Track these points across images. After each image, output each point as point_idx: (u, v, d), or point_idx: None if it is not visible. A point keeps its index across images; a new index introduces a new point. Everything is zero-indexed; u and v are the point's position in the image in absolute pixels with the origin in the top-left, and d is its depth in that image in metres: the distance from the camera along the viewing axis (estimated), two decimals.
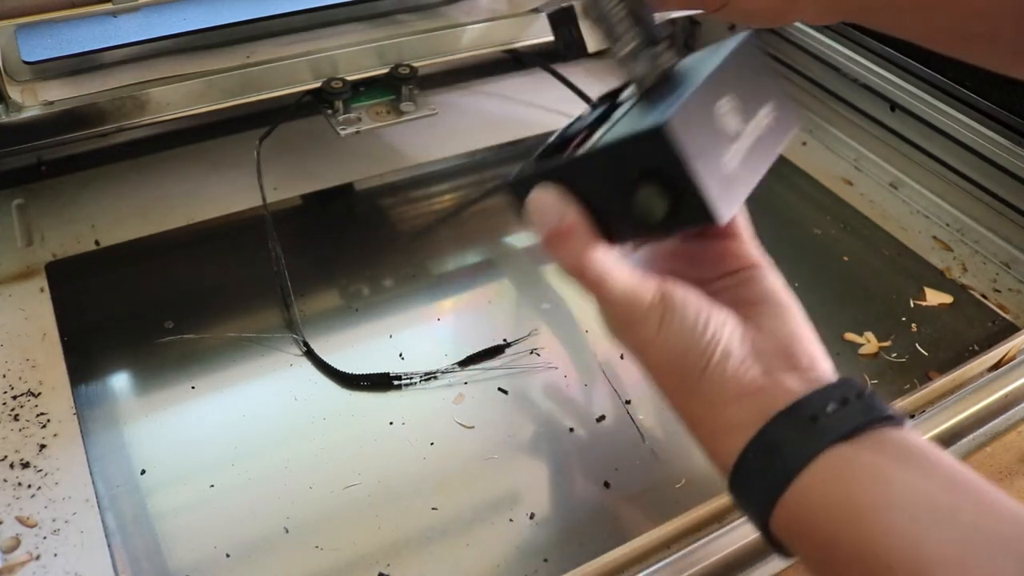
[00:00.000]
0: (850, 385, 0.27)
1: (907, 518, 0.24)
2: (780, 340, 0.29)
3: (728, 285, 0.31)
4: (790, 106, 0.31)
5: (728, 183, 0.27)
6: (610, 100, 0.33)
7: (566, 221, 0.29)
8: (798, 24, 0.74)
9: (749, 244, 0.32)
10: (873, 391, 0.28)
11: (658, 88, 0.30)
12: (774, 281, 0.31)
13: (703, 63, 0.30)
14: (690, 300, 0.29)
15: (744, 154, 0.28)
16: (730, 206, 0.27)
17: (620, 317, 0.29)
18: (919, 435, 0.27)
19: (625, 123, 0.29)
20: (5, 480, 0.42)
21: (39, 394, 0.47)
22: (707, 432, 0.29)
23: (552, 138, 0.33)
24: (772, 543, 0.28)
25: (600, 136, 0.30)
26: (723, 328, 0.29)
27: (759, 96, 0.30)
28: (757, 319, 0.30)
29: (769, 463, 0.27)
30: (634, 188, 0.28)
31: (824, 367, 0.29)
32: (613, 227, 0.30)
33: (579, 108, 0.72)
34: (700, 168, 0.26)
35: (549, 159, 0.32)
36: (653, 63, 0.31)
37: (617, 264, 0.29)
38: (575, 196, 0.30)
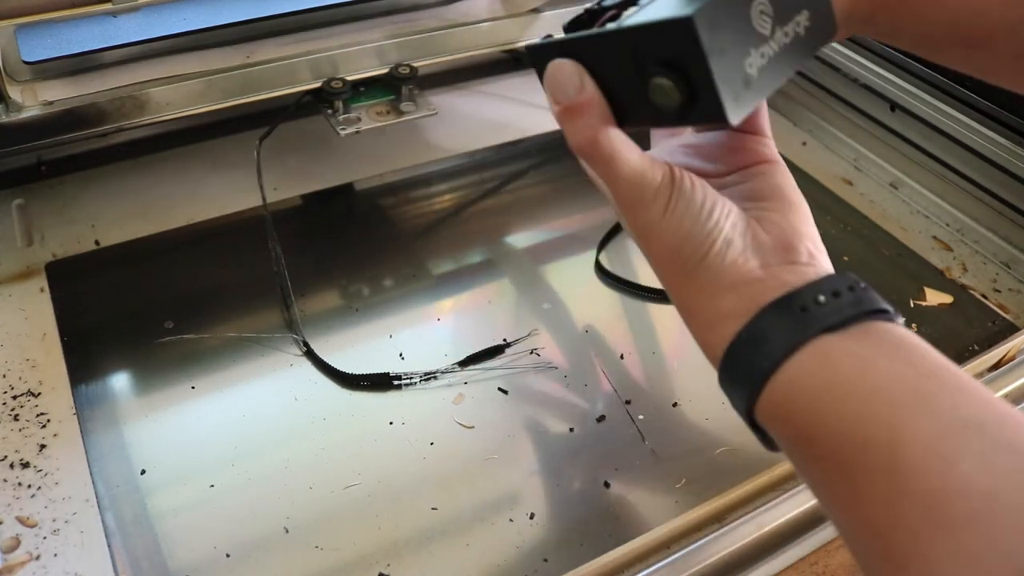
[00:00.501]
0: (844, 279, 0.28)
1: (885, 401, 0.24)
2: (782, 234, 0.29)
3: (740, 180, 0.32)
4: (829, 15, 0.30)
5: (747, 85, 0.27)
6: None
7: (583, 96, 0.29)
8: None
9: (765, 140, 0.32)
10: (867, 286, 0.28)
11: None
12: (785, 178, 0.31)
13: None
14: (697, 187, 0.29)
15: (771, 58, 0.28)
16: (744, 109, 0.27)
17: (627, 198, 0.30)
18: (910, 331, 0.27)
19: (657, 6, 0.29)
20: (5, 480, 0.42)
21: (39, 394, 0.47)
22: (701, 321, 0.30)
23: (589, 5, 0.32)
24: (756, 430, 0.28)
25: (630, 15, 0.29)
26: (727, 218, 0.29)
27: (803, 3, 0.29)
28: (762, 213, 0.30)
29: (756, 351, 0.27)
30: (653, 74, 0.28)
31: (823, 263, 0.29)
32: (627, 110, 0.30)
33: None
34: (721, 68, 0.26)
35: (576, 29, 0.32)
36: None
37: (628, 144, 0.29)
38: (594, 73, 0.30)
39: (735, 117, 0.27)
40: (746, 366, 0.27)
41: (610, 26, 0.29)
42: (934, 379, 0.25)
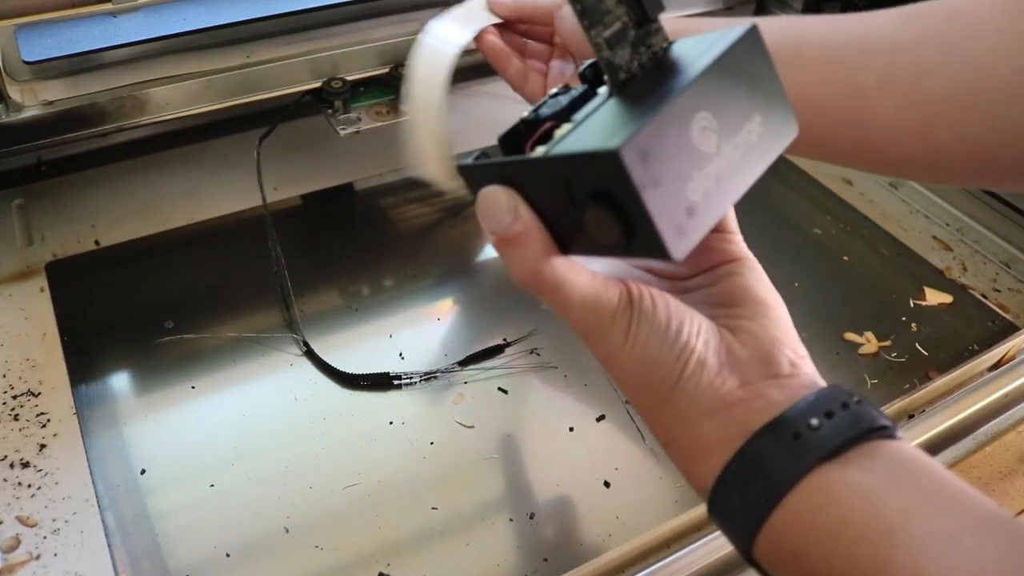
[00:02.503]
0: (836, 394, 0.25)
1: (902, 544, 0.23)
2: (759, 346, 0.27)
3: (706, 282, 0.30)
4: (786, 113, 0.27)
5: (691, 214, 0.24)
6: (597, 75, 0.30)
7: (518, 227, 0.27)
8: None
9: (731, 237, 0.30)
10: (861, 398, 0.25)
11: (638, 82, 0.27)
12: (755, 277, 0.29)
13: (695, 55, 0.26)
14: (659, 305, 0.27)
15: (718, 177, 0.25)
16: (690, 242, 0.25)
17: (583, 326, 0.27)
18: (912, 446, 0.25)
19: (589, 128, 0.26)
20: (5, 480, 0.42)
21: (39, 394, 0.47)
22: (682, 450, 0.27)
23: (525, 114, 0.30)
24: (756, 568, 0.26)
25: (560, 138, 0.27)
26: (697, 336, 0.26)
27: (752, 103, 0.26)
28: (734, 322, 0.28)
29: (751, 486, 0.25)
30: (587, 206, 0.25)
31: (807, 372, 0.27)
32: (568, 238, 0.27)
33: None
34: (658, 201, 0.24)
35: (511, 143, 0.30)
36: (638, 53, 0.27)
37: (573, 269, 0.27)
38: (530, 199, 0.27)
39: (679, 252, 0.24)
40: (740, 502, 0.25)
41: (539, 151, 0.27)
42: (952, 512, 0.23)
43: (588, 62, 0.30)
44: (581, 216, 0.25)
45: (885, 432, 0.25)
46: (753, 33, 0.27)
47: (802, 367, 0.27)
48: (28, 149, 0.57)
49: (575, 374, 0.52)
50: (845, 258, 0.62)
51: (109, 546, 0.40)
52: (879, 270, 0.62)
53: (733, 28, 0.27)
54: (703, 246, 0.29)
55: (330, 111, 0.62)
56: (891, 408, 0.49)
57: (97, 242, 0.58)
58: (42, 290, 0.53)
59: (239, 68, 0.60)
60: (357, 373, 0.50)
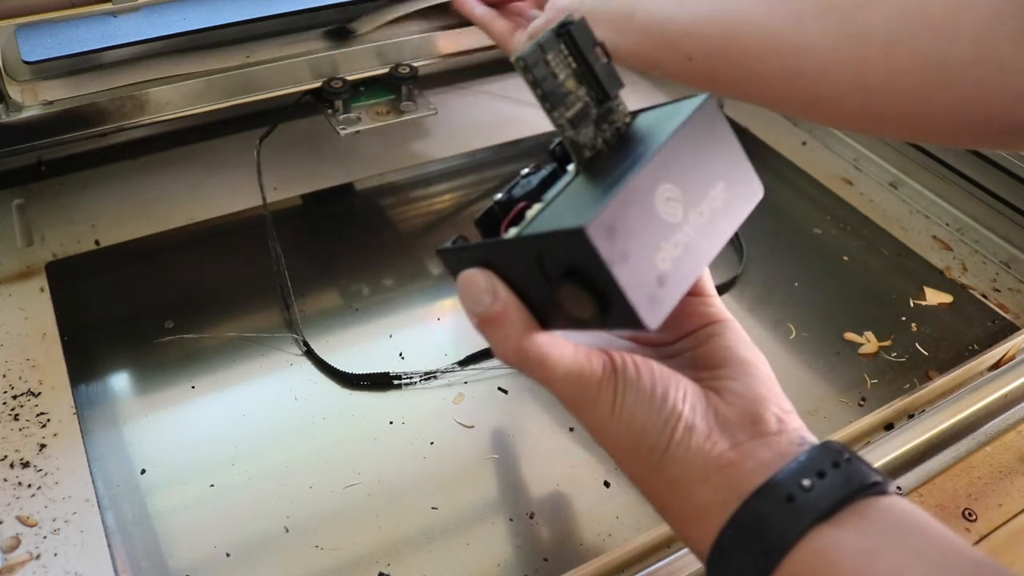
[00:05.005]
0: (826, 453, 0.25)
1: None
2: (746, 405, 0.27)
3: (689, 346, 0.30)
4: (750, 177, 0.28)
5: (662, 283, 0.25)
6: (566, 152, 0.30)
7: (497, 307, 0.27)
8: None
9: (709, 300, 0.30)
10: (851, 455, 0.25)
11: (603, 159, 0.28)
12: (736, 337, 0.29)
13: (656, 128, 0.27)
14: (643, 372, 0.27)
15: (686, 245, 0.26)
16: (663, 310, 0.25)
17: (569, 398, 0.28)
18: (904, 500, 0.25)
19: (558, 207, 0.27)
20: (5, 480, 0.42)
21: (39, 394, 0.47)
22: (677, 516, 0.27)
23: (498, 195, 0.30)
24: None
25: (531, 218, 0.27)
26: (683, 401, 0.27)
27: (714, 170, 0.27)
28: (719, 383, 0.28)
29: (748, 551, 0.25)
30: (561, 284, 0.25)
31: (795, 427, 0.27)
32: (547, 314, 0.28)
33: None
34: (628, 274, 0.24)
35: (488, 229, 0.30)
36: (601, 130, 0.28)
37: (556, 344, 0.27)
38: (508, 279, 0.28)
39: (653, 322, 0.25)
40: (738, 567, 0.25)
41: (511, 232, 0.27)
42: (944, 569, 0.23)
43: (556, 140, 0.30)
44: (557, 293, 0.26)
45: (877, 488, 0.25)
46: (709, 102, 0.27)
47: (789, 423, 0.27)
48: (28, 149, 0.57)
49: None
50: (845, 258, 0.62)
51: (109, 546, 0.40)
52: (879, 270, 0.62)
53: (690, 99, 0.28)
54: (682, 311, 0.30)
55: (330, 111, 0.62)
56: (891, 408, 0.49)
57: (97, 242, 0.58)
58: (42, 290, 0.53)
59: (239, 68, 0.60)
60: (357, 373, 0.50)
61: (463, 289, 0.28)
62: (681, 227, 0.26)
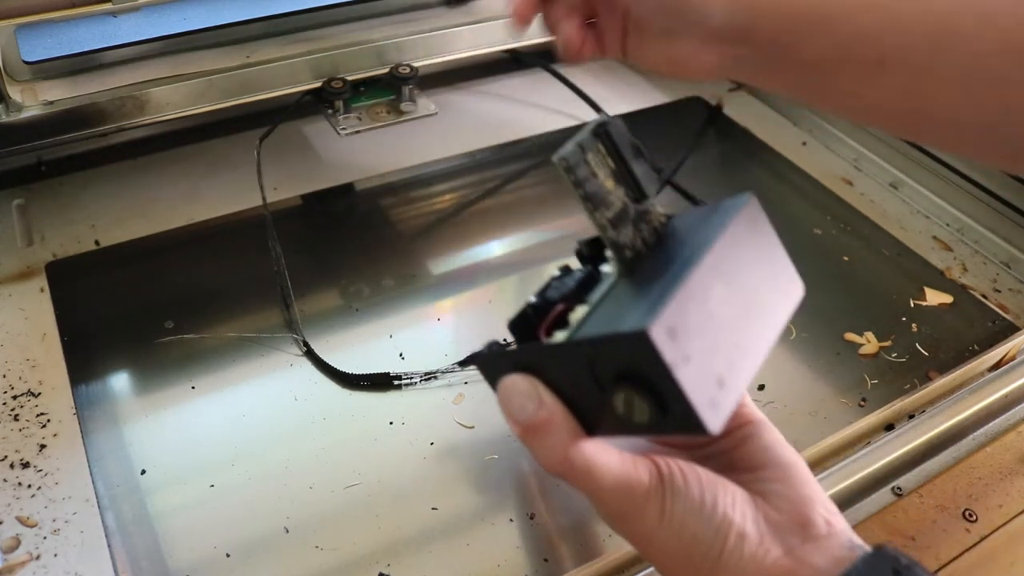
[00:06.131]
0: (883, 560, 0.25)
1: None
2: (794, 509, 0.26)
3: (727, 447, 0.29)
4: (791, 274, 0.28)
5: (721, 386, 0.24)
6: (595, 253, 0.30)
7: (543, 414, 0.26)
8: None
9: (744, 400, 0.30)
10: (910, 562, 0.25)
11: (645, 261, 0.27)
12: (774, 437, 0.29)
13: (697, 230, 0.27)
14: (691, 480, 0.26)
15: (740, 345, 0.25)
16: (723, 413, 0.24)
17: (615, 509, 0.26)
18: None
19: (608, 310, 0.26)
20: (5, 480, 0.42)
21: (39, 394, 0.47)
22: None
23: (531, 298, 0.30)
24: None
25: (580, 322, 0.27)
26: (733, 507, 0.26)
27: (760, 269, 0.27)
28: (763, 486, 0.27)
29: None
30: (614, 387, 0.25)
31: (842, 528, 0.27)
32: (594, 419, 0.27)
33: (579, 109, 0.73)
34: (689, 377, 0.23)
35: (523, 332, 0.29)
36: (639, 230, 0.27)
37: (603, 452, 0.26)
38: (551, 384, 0.27)
39: (715, 426, 0.24)
40: None
41: (558, 337, 0.27)
42: None
43: (584, 240, 0.30)
44: (608, 398, 0.25)
45: None
46: (753, 202, 0.27)
47: (836, 524, 0.27)
48: (28, 149, 0.57)
49: None
50: (845, 258, 0.62)
51: (109, 546, 0.40)
52: (879, 270, 0.62)
53: (733, 199, 0.27)
54: None
55: (330, 111, 0.62)
56: (891, 408, 0.49)
57: (97, 242, 0.58)
58: (42, 290, 0.53)
59: (239, 68, 0.60)
60: (357, 373, 0.50)
61: (505, 396, 0.27)
62: (735, 327, 0.25)
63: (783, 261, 0.28)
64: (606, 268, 0.29)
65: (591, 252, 0.30)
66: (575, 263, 0.31)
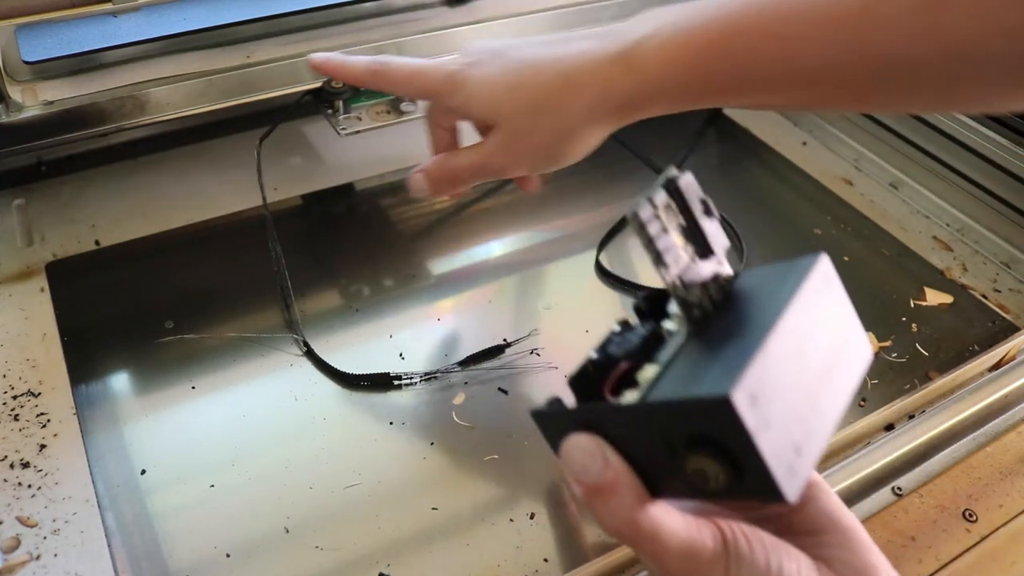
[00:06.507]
0: None
1: None
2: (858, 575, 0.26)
3: (784, 510, 0.29)
4: (860, 335, 0.27)
5: (799, 453, 0.24)
6: (658, 306, 0.29)
7: (609, 475, 0.26)
8: None
9: None
10: None
11: (713, 320, 0.27)
12: (833, 500, 0.28)
13: (767, 288, 0.26)
14: (756, 544, 0.25)
15: (816, 409, 0.25)
16: (800, 481, 0.24)
17: (679, 573, 0.26)
18: None
19: (680, 373, 0.26)
20: (5, 480, 0.42)
21: (39, 394, 0.47)
22: None
23: (592, 353, 0.29)
24: None
25: (651, 382, 0.26)
26: (799, 574, 0.25)
27: (833, 331, 0.26)
28: (826, 551, 0.27)
29: None
30: (687, 451, 0.24)
31: None
32: (661, 482, 0.26)
33: None
34: (769, 444, 0.23)
35: (584, 389, 0.29)
36: (707, 288, 0.27)
37: (668, 515, 0.26)
38: (615, 443, 0.26)
39: (793, 493, 0.23)
40: None
41: (630, 397, 0.26)
42: None
43: (643, 294, 0.30)
44: (680, 462, 0.24)
45: None
46: (826, 262, 0.27)
47: None
48: (28, 149, 0.56)
49: None
50: (845, 258, 0.62)
51: (109, 546, 0.40)
52: (879, 270, 0.62)
53: (807, 258, 0.27)
54: None
55: (330, 111, 0.62)
56: (891, 409, 0.49)
57: (97, 242, 0.58)
58: (42, 290, 0.53)
59: (239, 68, 0.60)
60: (357, 373, 0.50)
61: (569, 455, 0.27)
62: (810, 391, 0.25)
63: (854, 322, 0.28)
64: (669, 325, 0.29)
65: (651, 307, 0.30)
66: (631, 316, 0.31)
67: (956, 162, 0.66)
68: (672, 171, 0.27)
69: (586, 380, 0.29)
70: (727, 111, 0.76)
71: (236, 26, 0.60)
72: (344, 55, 0.48)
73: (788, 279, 0.26)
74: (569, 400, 0.29)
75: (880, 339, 0.55)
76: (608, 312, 0.57)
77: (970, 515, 0.43)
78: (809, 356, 0.25)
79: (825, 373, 0.26)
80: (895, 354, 0.55)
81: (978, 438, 0.47)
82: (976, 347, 0.56)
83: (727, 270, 0.28)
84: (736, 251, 0.61)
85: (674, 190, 0.27)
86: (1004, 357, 0.52)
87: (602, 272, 0.60)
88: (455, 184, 0.47)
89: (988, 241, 0.64)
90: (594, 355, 0.29)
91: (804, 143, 0.75)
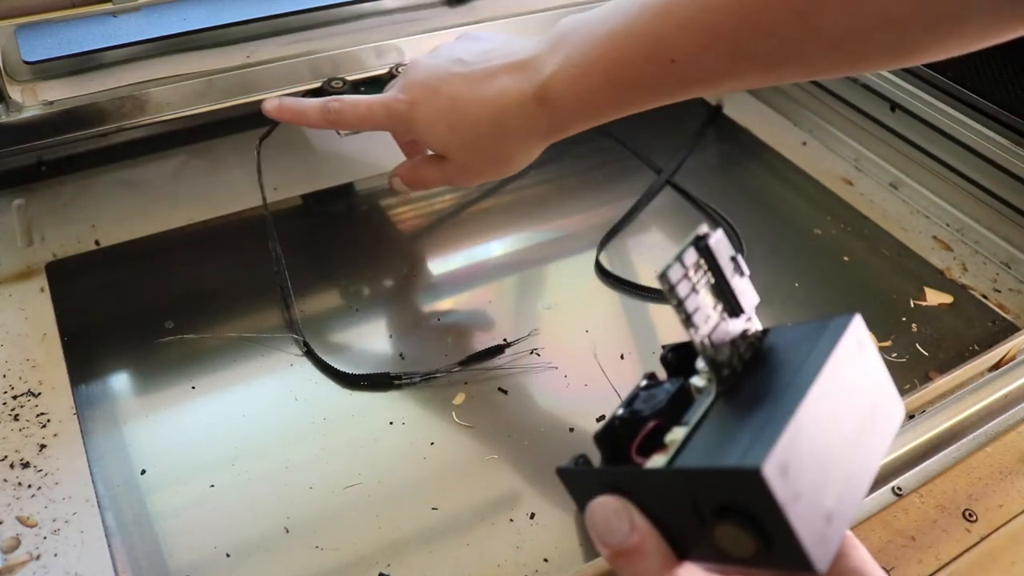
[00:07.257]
0: None
1: None
2: None
3: None
4: (893, 395, 0.27)
5: (829, 522, 0.23)
6: (685, 360, 0.29)
7: (633, 539, 0.25)
8: None
9: None
10: None
11: (743, 379, 0.27)
12: (861, 556, 0.27)
13: (799, 348, 0.26)
14: None
15: (847, 476, 0.24)
16: (831, 550, 0.23)
17: None
18: None
19: (709, 438, 0.25)
20: (5, 480, 0.42)
21: (39, 394, 0.47)
22: None
23: (618, 410, 0.29)
24: None
25: (678, 446, 0.26)
26: None
27: (865, 393, 0.26)
28: None
29: None
30: (716, 519, 0.24)
31: None
32: (687, 544, 0.26)
33: None
34: (799, 516, 0.22)
35: (609, 445, 0.29)
36: (736, 346, 0.27)
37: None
38: (642, 505, 0.26)
39: (823, 564, 0.23)
40: None
41: (657, 461, 0.26)
42: None
43: (669, 346, 0.30)
44: (708, 529, 0.24)
45: None
46: (859, 322, 0.27)
47: None
48: (28, 149, 0.56)
49: (575, 374, 0.52)
50: (845, 258, 0.62)
51: (109, 546, 0.40)
52: (879, 270, 0.62)
53: (839, 319, 0.27)
54: None
55: None
56: None
57: (97, 242, 0.58)
58: (42, 290, 0.53)
59: (239, 68, 0.60)
60: (357, 373, 0.50)
61: (595, 516, 0.27)
62: (842, 457, 0.25)
63: (886, 382, 0.27)
64: (697, 381, 0.28)
65: (678, 361, 0.30)
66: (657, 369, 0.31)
67: (956, 162, 0.66)
68: (703, 228, 0.27)
69: (612, 436, 0.28)
70: (727, 111, 0.76)
71: (236, 26, 0.60)
72: (296, 100, 0.53)
73: (820, 341, 0.26)
74: (594, 455, 0.29)
75: (880, 339, 0.55)
76: (608, 312, 0.57)
77: (970, 515, 0.43)
78: (841, 421, 0.25)
79: (857, 437, 0.25)
80: (895, 354, 0.55)
81: (978, 438, 0.47)
82: (976, 347, 0.56)
83: (757, 326, 0.28)
84: (736, 251, 0.61)
85: (704, 248, 0.27)
86: (1004, 357, 0.52)
87: (602, 272, 0.60)
88: (426, 188, 0.54)
89: (988, 241, 0.64)
90: (621, 412, 0.28)
91: (804, 143, 0.75)
